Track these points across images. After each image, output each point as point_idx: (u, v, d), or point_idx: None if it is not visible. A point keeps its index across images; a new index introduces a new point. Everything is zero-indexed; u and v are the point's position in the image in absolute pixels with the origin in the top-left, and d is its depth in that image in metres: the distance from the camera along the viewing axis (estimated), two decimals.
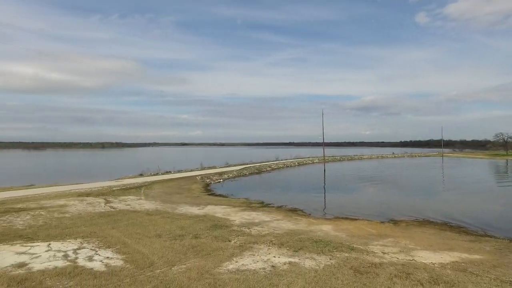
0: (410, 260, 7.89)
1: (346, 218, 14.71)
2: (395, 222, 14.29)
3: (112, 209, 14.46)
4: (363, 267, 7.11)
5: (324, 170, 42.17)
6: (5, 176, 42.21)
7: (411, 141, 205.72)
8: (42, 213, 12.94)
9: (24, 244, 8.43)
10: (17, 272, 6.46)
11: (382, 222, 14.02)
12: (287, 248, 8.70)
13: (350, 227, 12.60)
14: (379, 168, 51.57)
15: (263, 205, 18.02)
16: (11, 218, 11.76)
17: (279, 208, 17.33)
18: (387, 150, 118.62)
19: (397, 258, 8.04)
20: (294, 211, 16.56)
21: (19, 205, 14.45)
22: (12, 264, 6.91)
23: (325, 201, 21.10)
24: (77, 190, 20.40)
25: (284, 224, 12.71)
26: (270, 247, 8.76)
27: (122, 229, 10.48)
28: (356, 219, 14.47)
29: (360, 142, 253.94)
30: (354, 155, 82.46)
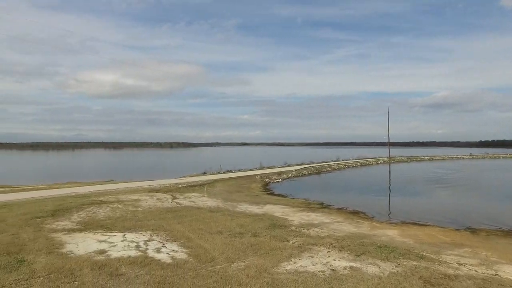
0: (493, 274, 6.98)
1: (415, 224, 13.60)
2: (473, 230, 12.79)
3: (178, 205, 15.43)
4: (434, 278, 6.50)
5: (390, 171, 39.64)
6: (91, 172, 47.92)
7: (493, 140, 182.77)
8: (119, 206, 14.35)
9: (104, 233, 9.44)
10: (98, 258, 7.25)
11: (457, 230, 12.66)
12: (348, 252, 8.35)
13: (419, 233, 11.63)
14: (454, 169, 46.76)
15: (322, 206, 17.60)
16: (95, 210, 13.27)
17: (340, 210, 16.74)
18: (463, 151, 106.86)
19: (476, 271, 7.17)
20: (355, 213, 15.85)
21: (101, 198, 16.24)
22: (95, 251, 7.78)
23: (389, 204, 19.83)
24: (147, 186, 22.23)
25: (345, 226, 12.23)
26: (330, 250, 8.50)
27: (187, 225, 11.11)
28: (426, 225, 13.30)
29: (430, 142, 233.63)
30: (423, 156, 76.02)
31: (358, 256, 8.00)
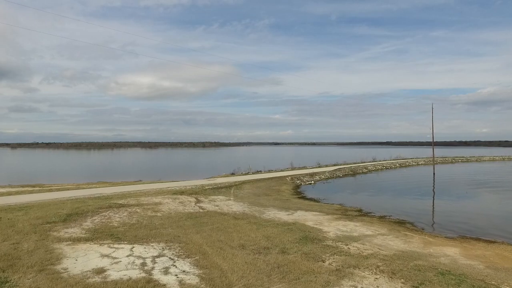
0: None
1: (478, 239, 11.30)
2: None
3: (200, 210, 14.22)
4: None
5: (434, 173, 36.18)
6: (123, 171, 48.73)
7: None
8: (138, 210, 13.38)
9: (111, 245, 8.32)
10: (93, 280, 6.06)
11: None
12: (402, 280, 6.54)
13: (488, 253, 9.43)
14: (509, 171, 41.99)
15: (361, 214, 15.60)
16: (111, 214, 12.36)
17: (382, 218, 14.68)
18: None
19: None
20: (401, 223, 13.74)
21: (121, 201, 15.44)
22: (93, 269, 6.62)
23: (439, 213, 17.31)
24: (172, 188, 21.35)
25: (392, 241, 10.29)
26: (378, 277, 6.73)
27: (206, 235, 9.79)
28: (493, 242, 10.96)
29: (474, 142, 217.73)
30: (470, 156, 70.02)
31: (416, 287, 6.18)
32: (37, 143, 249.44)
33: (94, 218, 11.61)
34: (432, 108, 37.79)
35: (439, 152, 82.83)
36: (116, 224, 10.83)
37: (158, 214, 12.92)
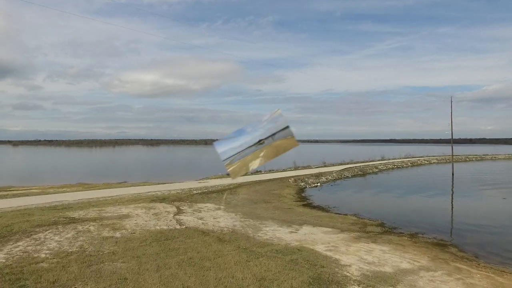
0: None
1: None
2: None
3: (177, 226, 10.91)
4: None
5: (453, 174, 32.69)
6: (113, 171, 45.56)
7: None
8: (92, 228, 10.09)
9: None
10: None
11: None
12: None
13: None
14: None
15: (385, 230, 12.21)
16: (49, 236, 9.08)
17: (414, 238, 11.27)
18: None
19: None
20: (442, 246, 10.33)
21: (78, 213, 12.16)
22: None
23: (482, 227, 13.75)
24: (154, 193, 18.06)
25: (446, 284, 6.91)
26: None
27: (168, 275, 6.47)
28: None
29: (480, 139, 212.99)
30: (483, 154, 66.22)
31: None
32: (39, 141, 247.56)
33: (18, 243, 8.31)
34: (451, 102, 34.43)
35: (447, 149, 78.90)
36: (43, 255, 7.52)
37: (117, 234, 9.62)
